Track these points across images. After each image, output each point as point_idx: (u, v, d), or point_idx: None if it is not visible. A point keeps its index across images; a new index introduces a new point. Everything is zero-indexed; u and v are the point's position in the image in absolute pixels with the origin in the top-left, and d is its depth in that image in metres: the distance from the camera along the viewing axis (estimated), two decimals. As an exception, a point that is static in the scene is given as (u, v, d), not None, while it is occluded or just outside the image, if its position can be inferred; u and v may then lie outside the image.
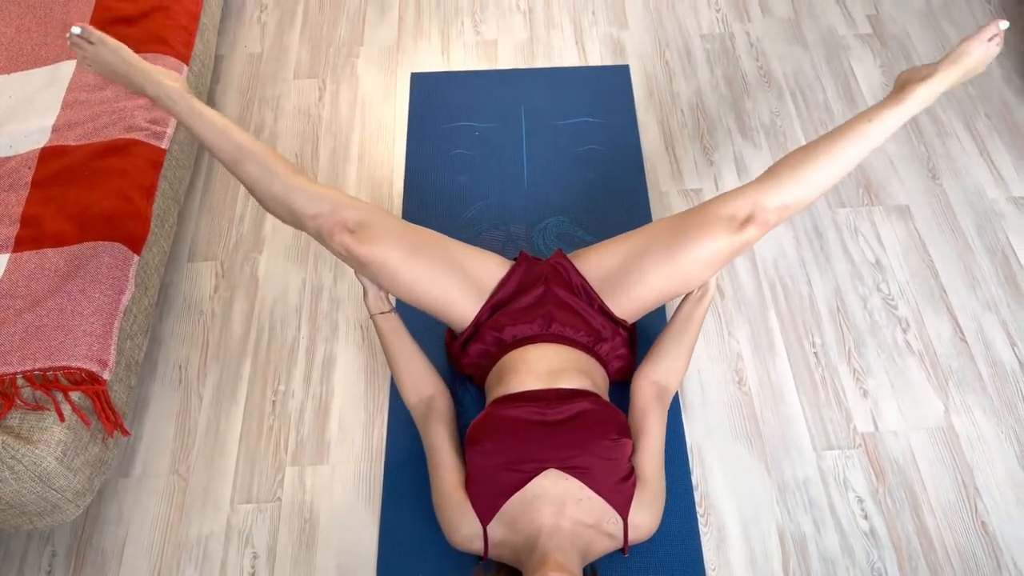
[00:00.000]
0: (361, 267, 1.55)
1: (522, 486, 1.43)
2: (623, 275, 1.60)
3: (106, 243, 1.60)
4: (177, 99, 1.54)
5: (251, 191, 1.56)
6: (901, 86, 1.57)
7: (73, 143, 1.76)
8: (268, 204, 1.56)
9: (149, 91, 1.55)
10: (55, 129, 1.79)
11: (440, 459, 1.52)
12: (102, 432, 1.48)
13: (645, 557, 1.58)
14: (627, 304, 1.61)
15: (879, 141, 1.53)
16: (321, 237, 1.53)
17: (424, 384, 1.65)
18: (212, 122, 1.54)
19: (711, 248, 1.53)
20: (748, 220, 1.51)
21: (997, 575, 1.56)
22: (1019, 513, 1.63)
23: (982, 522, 1.63)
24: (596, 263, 1.64)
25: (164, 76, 1.56)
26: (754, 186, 1.55)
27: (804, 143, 2.22)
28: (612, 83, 2.40)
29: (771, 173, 1.55)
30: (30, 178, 1.69)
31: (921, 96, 1.53)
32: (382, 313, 1.66)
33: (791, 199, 1.52)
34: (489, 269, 1.64)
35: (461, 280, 1.59)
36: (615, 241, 1.65)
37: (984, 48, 1.55)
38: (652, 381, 1.62)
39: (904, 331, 1.89)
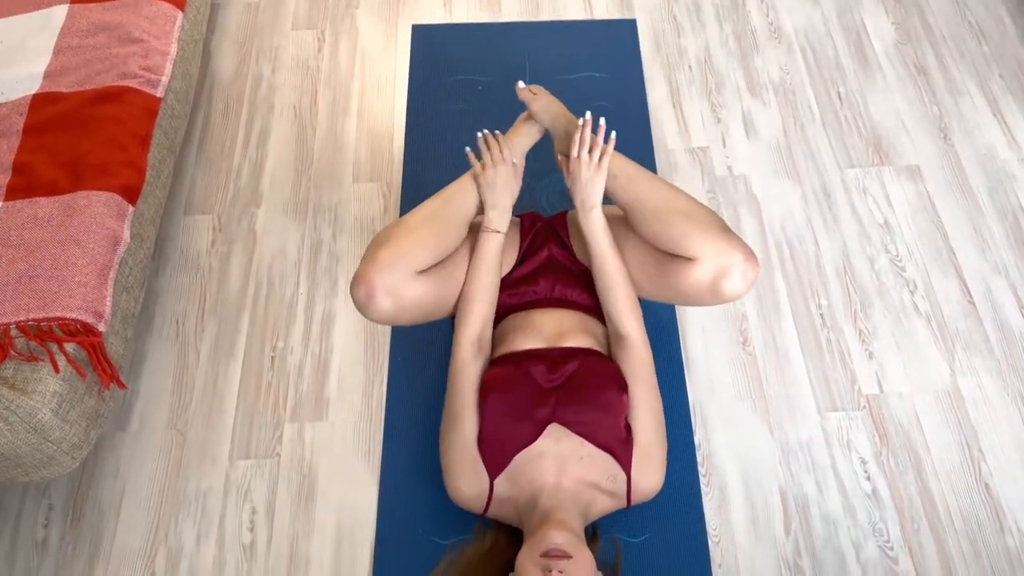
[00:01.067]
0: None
1: (528, 443, 1.41)
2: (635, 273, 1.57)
3: (100, 193, 1.56)
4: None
5: (412, 216, 1.51)
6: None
7: (65, 90, 1.71)
8: (396, 224, 1.50)
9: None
10: (47, 75, 1.74)
11: (463, 411, 1.47)
12: (98, 384, 1.46)
13: (645, 517, 1.57)
14: (646, 288, 1.58)
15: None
16: (355, 276, 1.44)
17: (488, 325, 1.56)
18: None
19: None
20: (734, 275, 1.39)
21: (1000, 537, 1.56)
22: (1023, 475, 1.62)
23: (986, 484, 1.62)
24: (585, 253, 1.60)
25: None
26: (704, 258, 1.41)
27: (812, 103, 2.18)
28: (619, 37, 2.34)
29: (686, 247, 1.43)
30: (21, 125, 1.65)
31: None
32: (498, 232, 1.54)
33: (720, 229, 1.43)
34: (508, 255, 1.62)
35: (443, 309, 1.57)
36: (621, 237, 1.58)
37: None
38: (610, 330, 1.57)
39: (911, 293, 1.86)
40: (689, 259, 1.40)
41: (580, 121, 1.53)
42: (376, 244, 1.44)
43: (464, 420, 1.47)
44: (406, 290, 1.41)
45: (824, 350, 1.79)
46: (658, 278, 1.49)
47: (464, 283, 1.55)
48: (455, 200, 1.54)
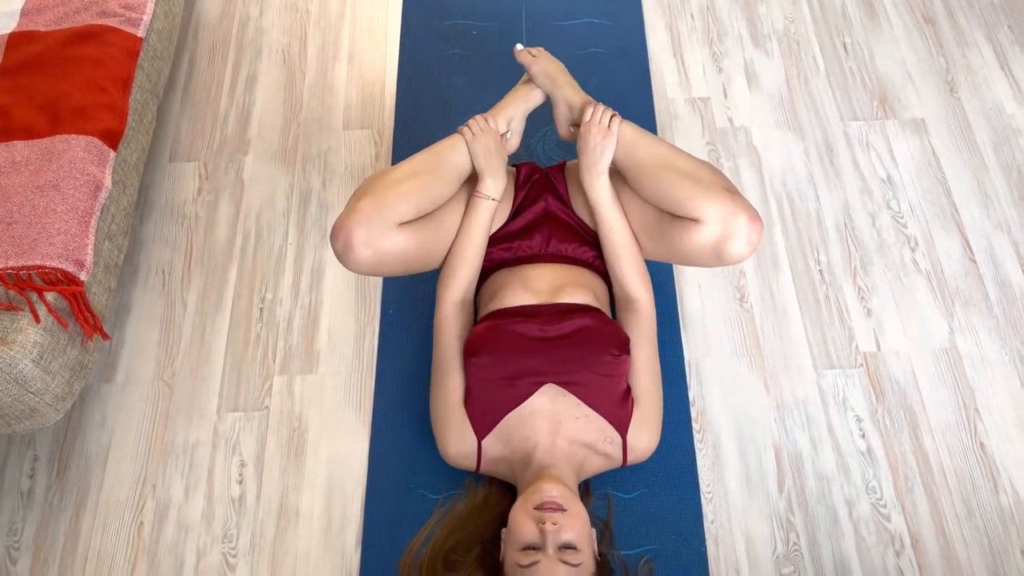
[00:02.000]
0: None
1: (520, 402, 1.39)
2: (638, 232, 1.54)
3: (80, 136, 1.50)
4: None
5: (397, 169, 1.47)
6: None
7: (43, 28, 1.64)
8: (379, 176, 1.47)
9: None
10: (24, 13, 1.66)
11: (448, 368, 1.46)
12: (81, 335, 1.42)
13: (638, 474, 1.56)
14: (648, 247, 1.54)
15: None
16: (336, 222, 1.40)
17: (471, 287, 1.55)
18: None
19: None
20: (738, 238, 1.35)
21: (994, 496, 1.55)
22: (1019, 435, 1.61)
23: (981, 443, 1.61)
24: (583, 207, 1.57)
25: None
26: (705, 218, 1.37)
27: (816, 54, 2.12)
28: (618, -18, 2.26)
29: (689, 207, 1.39)
30: (-3, 65, 1.58)
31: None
32: (492, 199, 1.51)
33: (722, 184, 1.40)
34: (502, 208, 1.58)
35: (431, 260, 1.53)
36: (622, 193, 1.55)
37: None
38: (617, 291, 1.56)
39: (912, 250, 1.83)
40: (693, 220, 1.36)
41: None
42: (358, 194, 1.40)
43: (449, 378, 1.44)
44: (385, 242, 1.37)
45: (822, 307, 1.76)
46: (661, 239, 1.45)
47: (453, 243, 1.51)
48: (445, 156, 1.49)
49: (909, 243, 1.84)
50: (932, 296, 1.77)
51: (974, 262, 1.81)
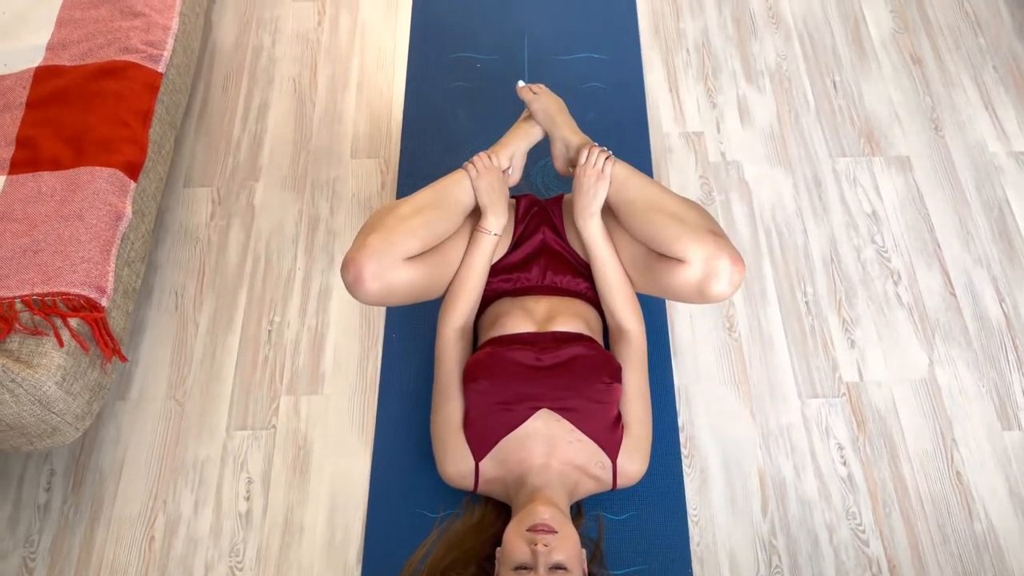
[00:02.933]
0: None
1: (516, 426, 1.46)
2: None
3: (103, 169, 1.58)
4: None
5: (403, 203, 1.54)
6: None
7: (68, 63, 1.72)
8: (386, 209, 1.54)
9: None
10: (49, 48, 1.75)
11: (449, 392, 1.53)
12: (100, 357, 1.50)
13: (628, 496, 1.63)
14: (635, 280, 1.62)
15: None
16: (347, 255, 1.47)
17: (471, 316, 1.63)
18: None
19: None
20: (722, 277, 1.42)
21: (968, 523, 1.62)
22: (993, 464, 1.68)
23: (957, 472, 1.68)
24: (578, 240, 1.64)
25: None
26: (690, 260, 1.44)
27: (807, 91, 2.20)
28: (618, 19, 2.35)
29: (675, 248, 1.45)
30: (25, 98, 1.67)
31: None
32: (494, 235, 1.59)
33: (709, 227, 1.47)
34: (503, 240, 1.65)
35: (436, 290, 1.61)
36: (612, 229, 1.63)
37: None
38: (610, 324, 1.63)
39: (895, 283, 1.91)
40: (678, 260, 1.44)
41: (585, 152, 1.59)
42: (367, 229, 1.48)
43: (449, 401, 1.52)
44: (393, 275, 1.45)
45: (808, 337, 1.84)
46: (648, 276, 1.53)
47: (456, 274, 1.59)
48: (450, 192, 1.57)
49: (892, 277, 1.92)
50: (913, 329, 1.85)
51: (954, 296, 1.89)
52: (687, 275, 1.43)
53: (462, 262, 1.59)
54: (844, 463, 1.69)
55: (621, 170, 1.55)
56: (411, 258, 1.48)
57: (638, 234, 1.51)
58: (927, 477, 1.67)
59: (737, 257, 1.41)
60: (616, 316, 1.61)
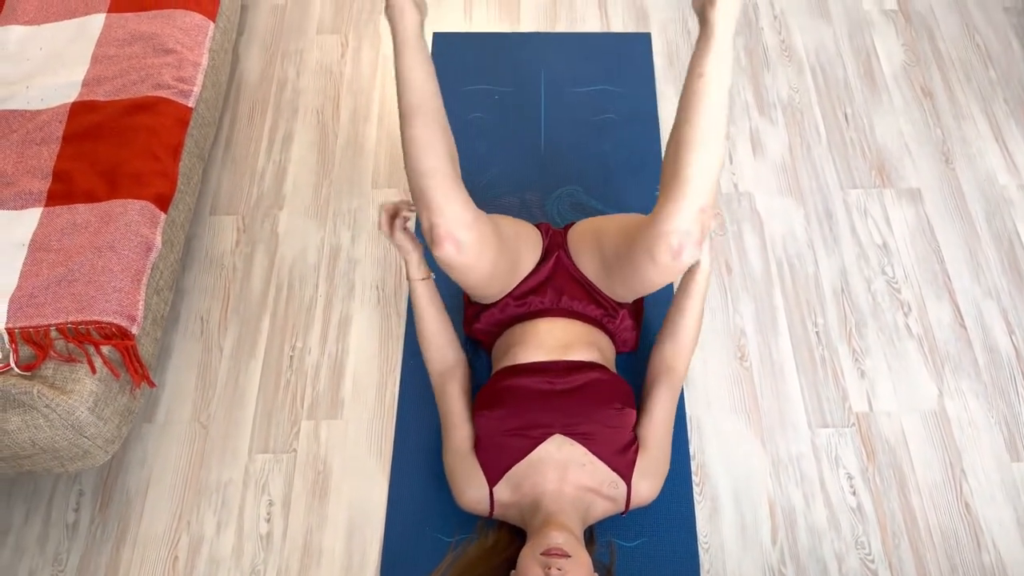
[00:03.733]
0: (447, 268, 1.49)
1: (529, 452, 1.50)
2: (606, 276, 1.63)
3: (135, 201, 1.65)
4: (408, 25, 1.52)
5: (406, 153, 1.49)
6: (703, 21, 1.41)
7: (103, 99, 1.79)
8: (410, 174, 1.48)
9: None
10: (85, 84, 1.82)
11: (454, 423, 1.59)
12: (130, 383, 1.56)
13: (640, 522, 1.66)
14: (619, 292, 1.63)
15: (722, 86, 1.38)
16: (428, 236, 1.45)
17: (449, 352, 1.69)
18: (424, 60, 1.52)
19: (657, 281, 1.48)
20: (677, 253, 1.37)
21: (976, 555, 1.64)
22: (1002, 496, 1.70)
23: (966, 503, 1.70)
24: (588, 259, 1.67)
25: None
26: (664, 210, 1.38)
27: (819, 123, 2.24)
28: (633, 51, 2.40)
29: (669, 186, 1.39)
30: (61, 132, 1.74)
31: (720, 22, 1.37)
32: (423, 279, 1.65)
33: (702, 199, 1.36)
34: (531, 255, 1.68)
35: (512, 267, 1.62)
36: (599, 236, 1.65)
37: None
38: (661, 358, 1.67)
39: (905, 314, 1.93)
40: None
41: None
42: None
43: (456, 432, 1.57)
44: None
45: (818, 367, 1.87)
46: (622, 266, 1.53)
47: (419, 327, 1.67)
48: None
49: (903, 308, 1.94)
50: (923, 360, 1.87)
51: (964, 328, 1.91)
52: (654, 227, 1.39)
53: (416, 315, 1.66)
54: (854, 493, 1.71)
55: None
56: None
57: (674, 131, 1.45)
58: (936, 508, 1.69)
59: (698, 241, 1.38)
60: (669, 352, 1.66)
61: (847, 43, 2.41)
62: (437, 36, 2.44)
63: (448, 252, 1.42)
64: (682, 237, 1.36)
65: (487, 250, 1.47)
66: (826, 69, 2.36)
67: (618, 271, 1.55)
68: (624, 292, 1.60)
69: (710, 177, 1.36)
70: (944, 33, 2.42)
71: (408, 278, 1.65)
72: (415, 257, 1.63)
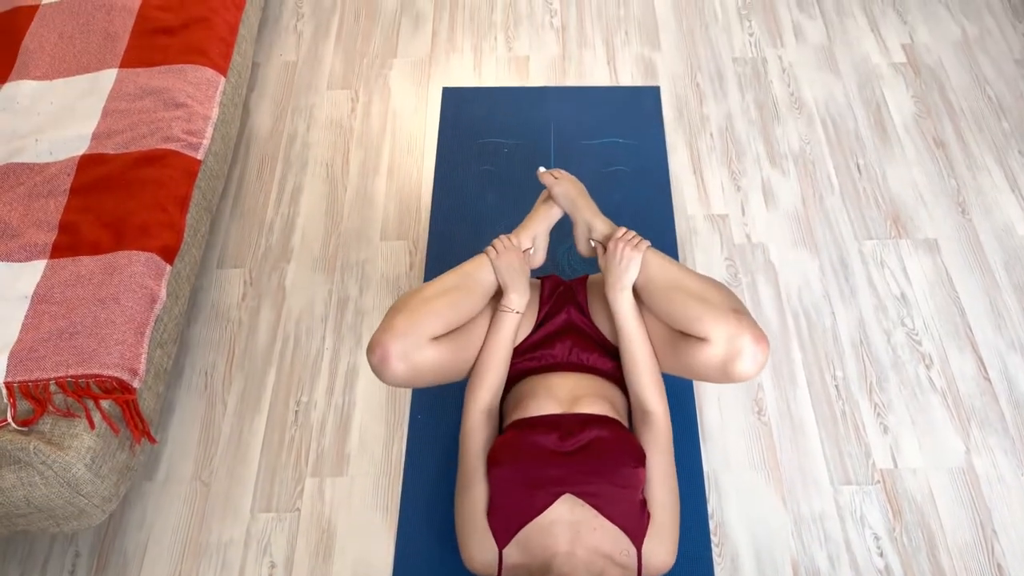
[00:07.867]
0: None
1: (539, 512, 1.44)
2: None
3: (140, 253, 1.63)
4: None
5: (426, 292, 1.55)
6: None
7: (112, 152, 1.79)
8: (411, 293, 1.56)
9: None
10: (94, 137, 1.82)
11: (475, 477, 1.52)
12: (130, 439, 1.51)
13: (658, 585, 1.59)
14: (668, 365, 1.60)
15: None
16: (371, 340, 1.49)
17: (497, 395, 1.62)
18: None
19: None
20: (753, 359, 1.41)
21: (1012, 620, 1.56)
22: (1037, 558, 1.62)
23: (998, 564, 1.62)
24: (603, 319, 1.65)
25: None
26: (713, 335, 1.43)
27: (831, 174, 2.22)
28: (642, 104, 2.40)
29: (699, 324, 1.45)
30: (69, 185, 1.73)
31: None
32: (516, 312, 1.61)
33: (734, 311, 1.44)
34: (527, 320, 1.67)
35: (464, 367, 1.61)
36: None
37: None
38: (634, 401, 1.60)
39: (927, 367, 1.88)
40: (702, 339, 1.44)
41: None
42: (392, 312, 1.50)
43: (474, 487, 1.51)
44: (419, 356, 1.47)
45: (839, 422, 1.81)
46: (672, 355, 1.53)
47: (480, 354, 1.60)
48: (472, 274, 1.60)
49: (924, 361, 1.89)
50: (948, 414, 1.81)
51: (988, 381, 1.85)
52: (710, 354, 1.42)
53: (485, 342, 1.60)
54: (881, 554, 1.64)
55: (647, 252, 1.57)
56: (436, 339, 1.50)
57: (661, 313, 1.52)
58: (967, 569, 1.61)
59: (760, 335, 1.41)
60: (640, 396, 1.59)
61: (857, 95, 2.40)
62: (447, 91, 2.45)
63: (373, 361, 1.45)
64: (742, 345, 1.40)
65: (416, 379, 1.50)
66: (836, 121, 2.35)
67: (672, 357, 1.55)
68: (668, 366, 1.59)
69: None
70: (954, 85, 2.41)
71: (504, 306, 1.60)
72: (522, 289, 1.62)
